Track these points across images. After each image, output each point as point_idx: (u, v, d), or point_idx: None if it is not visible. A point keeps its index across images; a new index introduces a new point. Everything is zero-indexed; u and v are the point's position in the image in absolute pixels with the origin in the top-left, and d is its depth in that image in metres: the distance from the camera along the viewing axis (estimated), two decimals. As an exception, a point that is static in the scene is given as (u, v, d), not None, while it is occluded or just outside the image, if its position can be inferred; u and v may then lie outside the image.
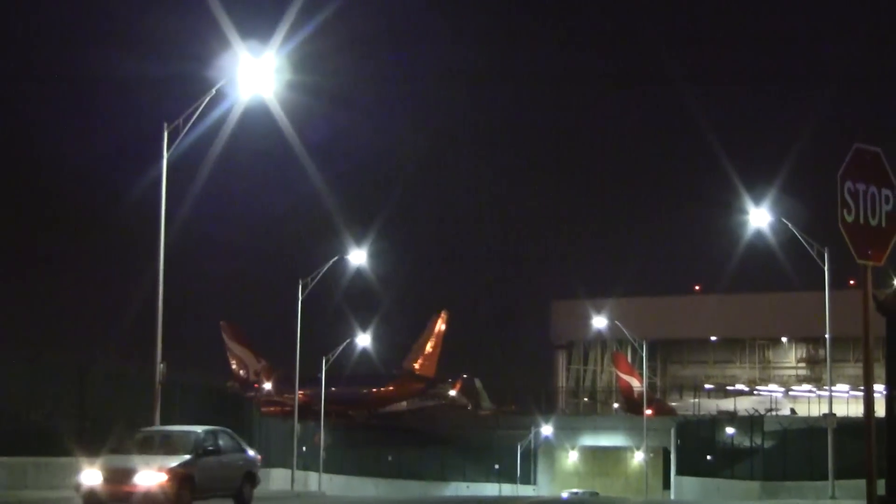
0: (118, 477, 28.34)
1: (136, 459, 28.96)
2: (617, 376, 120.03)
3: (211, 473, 30.06)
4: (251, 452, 33.23)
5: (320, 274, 64.68)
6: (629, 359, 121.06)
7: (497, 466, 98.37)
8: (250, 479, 32.51)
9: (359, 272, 70.99)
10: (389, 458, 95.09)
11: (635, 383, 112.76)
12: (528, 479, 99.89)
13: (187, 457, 29.44)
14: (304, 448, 73.80)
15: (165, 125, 39.94)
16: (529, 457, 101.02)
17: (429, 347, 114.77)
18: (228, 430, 32.37)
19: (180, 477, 28.60)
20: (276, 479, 65.06)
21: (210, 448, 30.63)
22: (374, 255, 70.20)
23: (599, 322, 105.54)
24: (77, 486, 29.05)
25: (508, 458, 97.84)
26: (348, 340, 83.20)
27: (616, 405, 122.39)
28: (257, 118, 41.01)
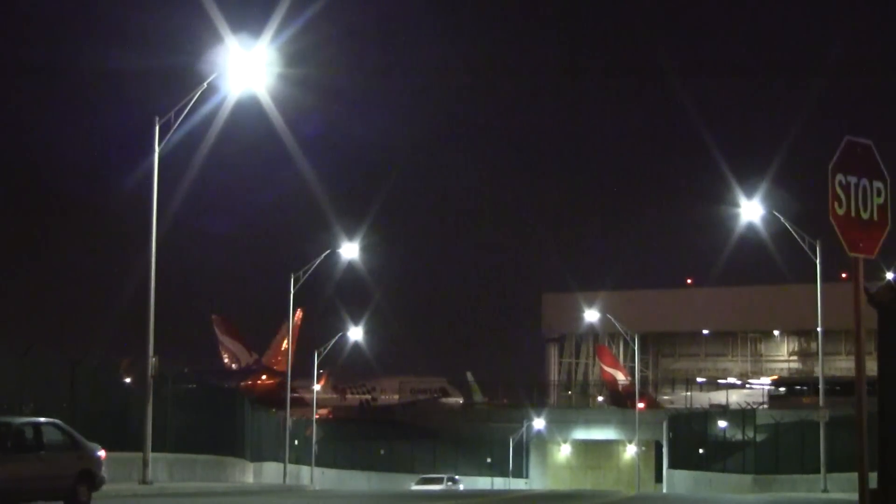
0: None
1: None
2: (601, 369, 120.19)
3: (21, 473, 26.22)
4: (92, 448, 28.96)
5: (312, 267, 64.62)
6: (621, 352, 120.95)
7: (489, 460, 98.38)
8: (87, 478, 28.23)
9: (351, 266, 70.97)
10: (382, 452, 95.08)
11: (620, 376, 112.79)
12: (520, 472, 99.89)
13: None
14: (296, 441, 73.79)
15: (157, 119, 39.92)
16: (521, 450, 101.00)
17: (285, 344, 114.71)
18: (57, 422, 28.62)
19: None
20: (269, 473, 65.06)
21: (23, 443, 26.96)
22: (366, 249, 70.17)
23: (591, 315, 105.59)
24: None
25: (500, 452, 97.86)
26: (340, 334, 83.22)
27: (601, 398, 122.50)
28: (249, 111, 41.04)
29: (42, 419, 28.72)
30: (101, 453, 29.06)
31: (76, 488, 27.76)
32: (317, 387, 79.65)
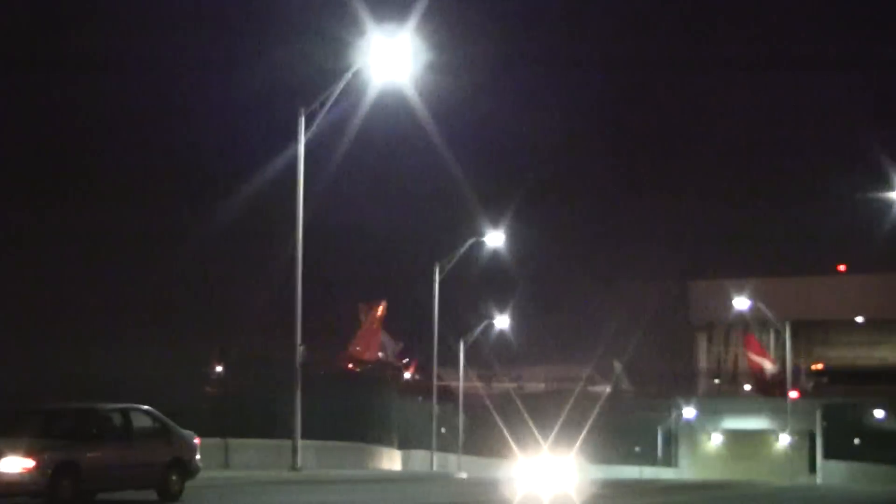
0: None
1: (4, 442, 24.58)
2: (748, 358, 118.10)
3: (108, 461, 25.43)
4: (185, 435, 27.97)
5: (458, 256, 64.73)
6: (771, 341, 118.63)
7: (637, 449, 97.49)
8: (179, 467, 27.27)
9: (496, 254, 70.78)
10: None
11: (767, 365, 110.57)
12: (668, 462, 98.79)
13: (73, 440, 25.19)
14: (443, 429, 73.97)
15: (302, 109, 40.23)
16: (670, 439, 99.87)
17: (369, 333, 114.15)
18: (147, 408, 27.52)
19: (57, 464, 24.28)
20: (416, 461, 65.36)
21: (109, 430, 26.29)
22: (511, 237, 69.91)
23: (740, 303, 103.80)
24: None
25: (648, 441, 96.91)
26: (486, 322, 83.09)
27: (748, 387, 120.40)
28: (393, 100, 40.99)
29: (131, 405, 27.46)
30: (196, 441, 28.18)
31: (167, 477, 26.85)
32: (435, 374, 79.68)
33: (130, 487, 26.39)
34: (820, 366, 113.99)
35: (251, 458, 41.85)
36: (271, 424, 43.02)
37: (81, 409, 26.81)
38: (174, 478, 27.02)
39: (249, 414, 43.32)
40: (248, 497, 30.65)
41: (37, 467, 23.93)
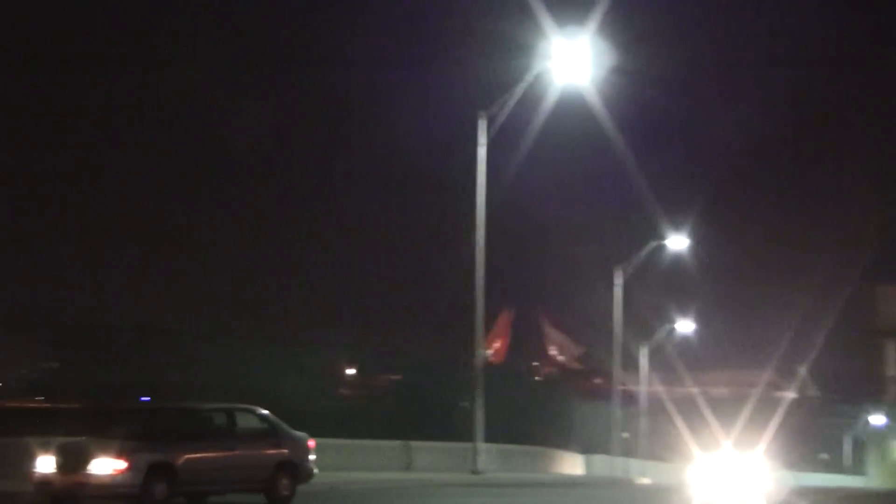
0: (71, 464, 23.14)
1: (94, 443, 23.68)
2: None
3: (208, 463, 24.27)
4: (296, 437, 26.47)
5: (639, 260, 64.30)
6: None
7: (824, 456, 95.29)
8: (289, 470, 25.82)
9: (678, 258, 70.00)
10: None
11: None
12: (856, 470, 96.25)
13: (169, 440, 24.06)
14: (625, 434, 73.46)
15: (483, 113, 40.35)
16: (858, 447, 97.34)
17: (499, 339, 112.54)
18: (253, 408, 26.28)
19: (150, 465, 23.20)
20: (598, 465, 65.03)
21: (211, 431, 25.08)
22: (696, 241, 69.08)
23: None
24: (31, 475, 23.77)
25: (834, 448, 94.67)
26: (668, 326, 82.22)
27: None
28: (575, 103, 40.78)
29: (238, 405, 26.29)
30: (310, 443, 26.58)
31: (276, 480, 25.46)
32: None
33: (234, 490, 25.25)
34: None
35: (433, 460, 42.13)
36: (452, 428, 43.27)
37: (180, 409, 26.10)
38: (284, 481, 25.60)
39: (430, 417, 43.63)
40: (418, 500, 30.73)
41: (129, 469, 22.84)
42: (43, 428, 24.62)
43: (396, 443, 40.70)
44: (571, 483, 47.43)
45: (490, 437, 42.47)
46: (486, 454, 41.78)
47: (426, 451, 42.03)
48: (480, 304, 41.08)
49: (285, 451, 25.78)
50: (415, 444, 41.36)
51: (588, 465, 62.96)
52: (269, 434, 25.86)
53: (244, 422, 25.63)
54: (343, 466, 36.91)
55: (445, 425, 43.60)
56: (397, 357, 43.03)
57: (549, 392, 60.01)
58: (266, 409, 26.31)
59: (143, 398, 28.15)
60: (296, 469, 25.91)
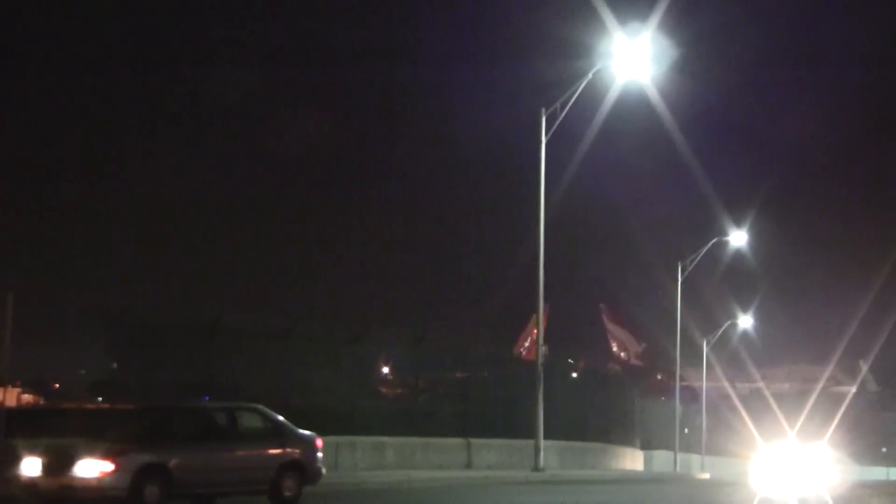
0: (57, 466, 22.10)
1: (81, 443, 22.48)
2: None
3: (206, 464, 23.40)
4: (303, 436, 25.62)
5: (699, 256, 64.11)
6: None
7: (884, 450, 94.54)
8: (295, 471, 24.98)
9: (739, 253, 69.70)
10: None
11: None
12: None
13: (163, 440, 23.21)
14: (685, 430, 73.24)
15: (543, 110, 40.35)
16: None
17: (531, 336, 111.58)
18: (257, 407, 25.61)
19: (140, 467, 22.20)
20: (660, 461, 64.89)
21: (212, 431, 24.29)
22: (756, 237, 68.84)
23: None
24: (15, 477, 22.61)
25: (894, 441, 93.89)
26: (729, 322, 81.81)
27: None
28: (636, 99, 40.68)
29: (238, 403, 25.87)
30: (318, 442, 25.74)
31: (281, 481, 24.59)
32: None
33: (235, 493, 24.32)
34: None
35: (494, 458, 42.21)
36: (513, 425, 43.29)
37: (176, 408, 25.28)
38: (288, 482, 24.75)
39: (491, 414, 43.67)
40: (482, 497, 30.82)
41: (116, 470, 21.82)
42: (97, 429, 24.17)
43: (458, 440, 40.81)
44: (633, 479, 47.34)
45: (549, 434, 42.48)
46: (548, 451, 41.80)
47: (487, 449, 42.11)
48: (541, 300, 41.13)
49: (290, 451, 25.04)
50: (476, 441, 41.45)
51: (649, 461, 62.82)
52: (273, 434, 25.12)
53: (247, 421, 25.02)
54: (403, 465, 37.10)
55: (504, 422, 43.63)
56: (454, 354, 43.02)
57: (610, 388, 59.77)
58: (329, 407, 26.33)
59: (204, 398, 28.06)
60: (302, 470, 25.11)
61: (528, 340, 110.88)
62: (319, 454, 25.64)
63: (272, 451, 24.77)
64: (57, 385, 71.09)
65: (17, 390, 56.41)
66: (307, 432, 25.71)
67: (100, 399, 32.93)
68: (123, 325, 31.77)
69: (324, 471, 25.91)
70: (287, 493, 24.66)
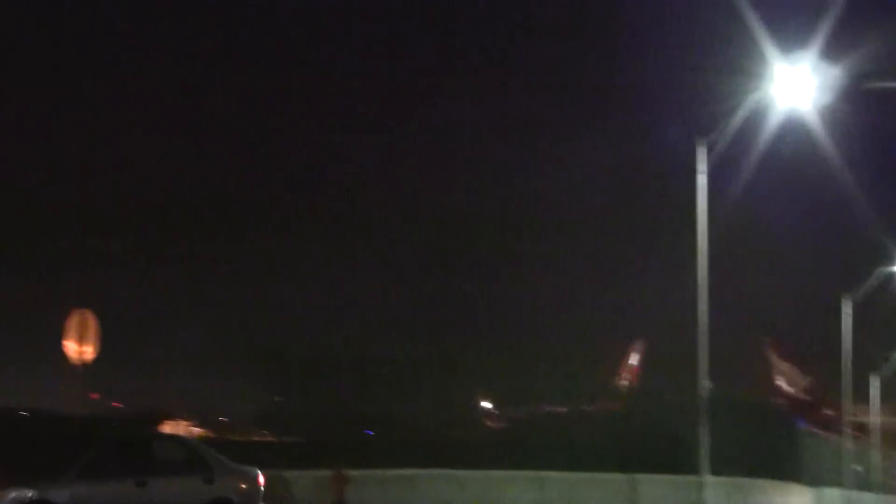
0: None
1: None
2: None
3: (107, 500, 21.27)
4: (236, 471, 23.09)
5: (869, 288, 62.79)
6: None
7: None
8: None
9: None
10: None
11: None
12: None
13: (57, 473, 21.34)
14: (858, 467, 71.65)
15: (701, 139, 39.76)
16: None
17: (627, 369, 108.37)
18: (179, 436, 23.63)
19: (14, 502, 20.60)
20: (827, 499, 63.38)
21: (123, 464, 22.03)
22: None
23: None
24: None
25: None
26: None
27: None
28: (798, 129, 39.86)
29: (157, 432, 23.73)
30: (260, 479, 23.13)
31: None
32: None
33: None
34: None
35: (658, 493, 41.70)
36: (675, 460, 42.75)
37: (76, 436, 23.66)
38: None
39: (654, 448, 43.16)
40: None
41: None
42: (267, 462, 23.53)
43: (621, 475, 40.38)
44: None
45: (719, 470, 41.70)
46: (714, 488, 41.06)
47: (651, 484, 41.62)
48: (704, 333, 40.40)
49: (220, 488, 22.46)
50: (640, 476, 41.00)
51: (818, 499, 61.32)
52: (198, 468, 22.59)
53: (168, 452, 22.83)
54: (567, 500, 36.81)
55: (667, 457, 43.08)
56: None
57: (775, 422, 58.70)
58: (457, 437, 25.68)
59: (367, 431, 28.13)
60: None
61: (628, 370, 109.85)
62: (260, 494, 23.01)
63: (195, 487, 22.22)
64: (223, 419, 72.39)
65: (185, 423, 57.54)
66: (246, 467, 23.38)
67: (265, 432, 33.27)
68: (286, 359, 32.26)
69: None
70: None
